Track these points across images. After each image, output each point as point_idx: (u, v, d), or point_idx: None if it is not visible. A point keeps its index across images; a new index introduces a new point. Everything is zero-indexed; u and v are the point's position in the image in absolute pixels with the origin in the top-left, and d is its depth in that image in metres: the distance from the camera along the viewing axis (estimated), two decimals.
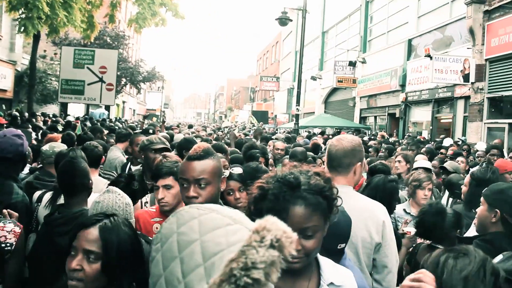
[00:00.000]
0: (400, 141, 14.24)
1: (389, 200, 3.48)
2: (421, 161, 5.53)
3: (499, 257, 2.12)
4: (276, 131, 20.02)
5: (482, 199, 2.73)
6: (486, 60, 13.26)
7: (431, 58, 13.76)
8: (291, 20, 18.29)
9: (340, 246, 2.01)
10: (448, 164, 6.39)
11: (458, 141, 12.49)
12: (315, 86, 30.09)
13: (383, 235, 2.48)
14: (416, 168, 5.29)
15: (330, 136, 12.80)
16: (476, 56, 13.45)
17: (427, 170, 5.27)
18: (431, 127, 16.84)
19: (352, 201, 2.43)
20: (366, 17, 23.61)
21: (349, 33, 26.19)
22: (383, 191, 3.60)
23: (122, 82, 32.97)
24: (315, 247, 1.55)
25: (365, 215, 2.47)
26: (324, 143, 9.96)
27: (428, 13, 17.80)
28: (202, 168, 2.20)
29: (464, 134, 14.30)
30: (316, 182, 1.57)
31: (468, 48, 13.95)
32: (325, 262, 1.71)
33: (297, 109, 17.75)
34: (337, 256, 2.01)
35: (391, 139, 14.77)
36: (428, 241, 3.37)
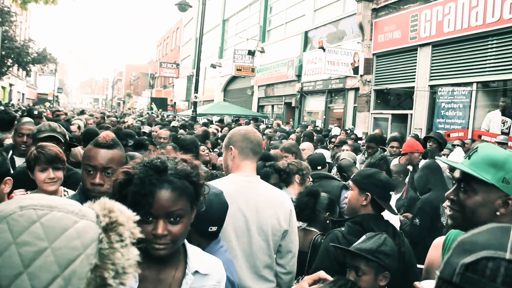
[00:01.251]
0: (295, 129, 14.71)
1: None
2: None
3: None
4: (175, 118, 19.70)
5: (351, 183, 2.87)
6: (373, 54, 14.11)
7: (324, 50, 14.35)
8: (191, 6, 18.02)
9: (211, 228, 2.01)
10: (347, 155, 6.71)
11: (348, 130, 13.20)
12: (214, 74, 30.05)
13: (290, 222, 2.65)
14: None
15: (233, 126, 12.84)
16: (365, 50, 14.26)
17: None
18: (324, 117, 17.63)
19: (263, 190, 2.63)
20: (266, 7, 23.99)
21: (249, 22, 26.47)
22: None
23: (8, 63, 30.35)
24: (181, 233, 1.52)
25: (275, 204, 2.61)
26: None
27: (324, 7, 18.51)
28: (111, 156, 2.28)
29: (353, 123, 15.15)
30: (183, 168, 1.56)
31: (358, 43, 14.73)
32: (192, 250, 1.69)
33: (195, 96, 17.62)
34: (208, 238, 2.02)
35: (287, 128, 15.21)
36: (304, 223, 3.46)
